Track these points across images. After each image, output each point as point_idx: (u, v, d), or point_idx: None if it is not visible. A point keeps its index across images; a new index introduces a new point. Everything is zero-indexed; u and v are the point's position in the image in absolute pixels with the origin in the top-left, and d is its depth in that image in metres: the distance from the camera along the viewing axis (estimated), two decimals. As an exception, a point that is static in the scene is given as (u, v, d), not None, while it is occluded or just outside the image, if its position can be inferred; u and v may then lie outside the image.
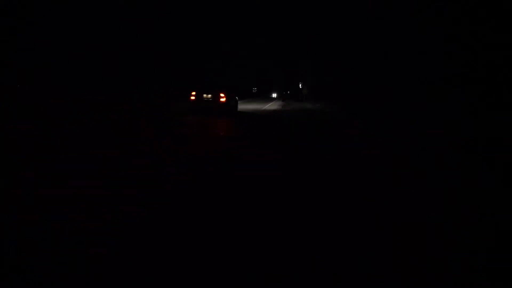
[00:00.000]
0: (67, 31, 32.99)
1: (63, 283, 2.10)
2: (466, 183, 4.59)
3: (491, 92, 16.33)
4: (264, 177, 4.63)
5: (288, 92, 51.97)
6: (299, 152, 6.65)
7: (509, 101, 14.86)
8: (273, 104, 31.66)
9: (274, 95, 57.78)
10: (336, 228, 3.00)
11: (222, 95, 15.77)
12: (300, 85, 39.99)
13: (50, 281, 2.11)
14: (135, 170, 4.86)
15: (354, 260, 2.46)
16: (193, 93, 16.08)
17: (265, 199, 3.72)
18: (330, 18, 35.77)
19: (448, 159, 6.31)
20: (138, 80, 36.88)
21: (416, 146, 7.66)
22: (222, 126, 11.48)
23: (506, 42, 16.02)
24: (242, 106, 23.16)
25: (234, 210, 3.40)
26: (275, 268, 2.34)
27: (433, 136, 9.54)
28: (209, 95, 15.87)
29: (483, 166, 5.70)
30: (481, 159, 6.29)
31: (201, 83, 17.37)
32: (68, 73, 33.75)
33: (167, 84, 38.81)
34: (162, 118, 13.55)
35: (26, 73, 30.98)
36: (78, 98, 24.77)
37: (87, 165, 5.05)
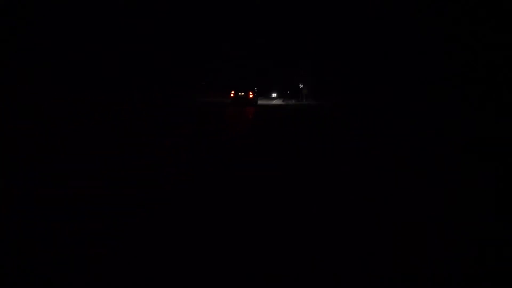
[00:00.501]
0: (67, 31, 32.97)
1: (63, 283, 2.10)
2: (466, 183, 4.59)
3: (491, 92, 16.32)
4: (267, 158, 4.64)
5: (288, 92, 51.84)
6: (300, 145, 6.67)
7: (509, 101, 14.86)
8: (276, 101, 38.20)
9: (274, 95, 57.55)
10: (336, 228, 3.00)
11: (250, 93, 25.12)
12: (300, 85, 39.96)
13: (50, 281, 2.11)
14: (138, 170, 4.86)
15: (354, 260, 2.46)
16: (232, 92, 25.44)
17: (265, 197, 3.71)
18: (330, 18, 35.73)
19: (448, 159, 6.31)
20: (138, 80, 36.86)
21: (416, 146, 7.65)
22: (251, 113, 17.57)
23: (506, 42, 16.02)
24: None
25: (234, 209, 3.40)
26: (275, 268, 2.34)
27: (433, 136, 9.54)
28: (242, 93, 25.15)
29: (483, 166, 5.70)
30: (481, 159, 6.29)
31: (235, 86, 27.07)
32: (68, 73, 33.72)
33: (167, 84, 38.79)
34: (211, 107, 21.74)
35: (26, 73, 30.95)
36: (78, 98, 24.75)
37: (87, 165, 5.05)
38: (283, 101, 42.42)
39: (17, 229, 2.81)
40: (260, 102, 31.72)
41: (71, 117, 12.22)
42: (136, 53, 36.85)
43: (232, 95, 25.29)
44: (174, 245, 2.61)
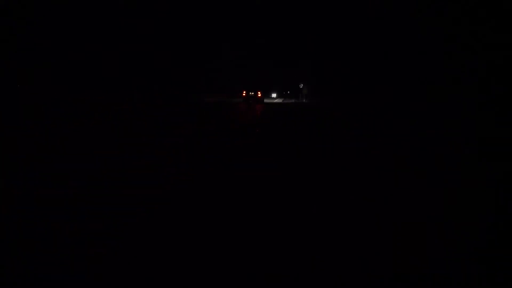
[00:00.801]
0: (67, 31, 32.96)
1: (63, 283, 2.10)
2: (466, 183, 4.59)
3: (491, 92, 16.32)
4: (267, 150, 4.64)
5: (288, 92, 51.90)
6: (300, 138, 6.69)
7: (509, 101, 14.86)
8: (277, 100, 42.82)
9: (274, 95, 57.41)
10: (336, 228, 3.00)
11: (259, 92, 31.91)
12: (300, 85, 40.05)
13: (50, 281, 2.11)
14: (138, 170, 4.86)
15: (354, 260, 2.46)
16: (244, 91, 32.15)
17: (265, 197, 3.71)
18: (330, 18, 35.73)
19: (448, 159, 6.31)
20: (138, 80, 36.88)
21: (416, 146, 7.66)
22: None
23: (506, 42, 16.02)
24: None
25: (234, 209, 3.40)
26: (275, 268, 2.34)
27: (433, 136, 9.54)
28: (252, 93, 31.75)
29: (483, 166, 5.70)
30: (481, 159, 6.29)
31: (247, 87, 33.93)
32: (68, 73, 33.72)
33: (167, 84, 38.81)
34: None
35: (26, 73, 30.96)
36: (78, 98, 24.74)
37: (87, 165, 5.05)
38: (283, 100, 42.68)
39: (17, 229, 2.81)
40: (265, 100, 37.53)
41: (71, 117, 12.21)
42: (136, 53, 36.83)
43: (244, 94, 31.86)
44: (174, 245, 2.61)
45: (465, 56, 18.31)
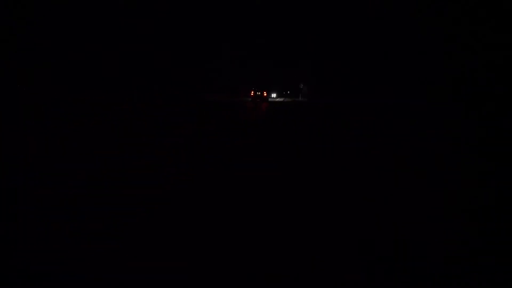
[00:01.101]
0: (67, 31, 32.97)
1: (64, 283, 2.10)
2: (466, 183, 4.59)
3: (491, 92, 16.32)
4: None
5: (288, 92, 52.02)
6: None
7: (509, 101, 14.86)
8: (278, 99, 45.18)
9: (274, 95, 57.40)
10: (336, 228, 3.00)
11: (264, 92, 37.17)
12: (300, 85, 40.28)
13: (50, 281, 2.11)
14: (138, 170, 4.86)
15: (354, 260, 2.46)
16: (252, 91, 37.09)
17: (265, 197, 3.71)
18: (330, 18, 35.74)
19: (448, 159, 6.31)
20: (138, 80, 36.90)
21: (416, 146, 7.65)
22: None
23: (506, 42, 16.02)
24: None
25: (234, 209, 3.40)
26: (275, 268, 2.34)
27: (433, 136, 9.53)
28: (259, 92, 36.70)
29: (483, 166, 5.69)
30: (481, 159, 6.28)
31: (254, 87, 38.88)
32: (68, 73, 33.72)
33: (167, 84, 38.85)
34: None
35: (26, 73, 30.97)
36: (78, 98, 24.76)
37: (87, 165, 5.05)
38: (283, 100, 43.02)
39: (17, 229, 2.81)
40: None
41: (71, 117, 12.22)
42: (136, 53, 36.83)
43: (252, 94, 37.08)
44: (174, 245, 2.61)
45: (465, 56, 18.31)
